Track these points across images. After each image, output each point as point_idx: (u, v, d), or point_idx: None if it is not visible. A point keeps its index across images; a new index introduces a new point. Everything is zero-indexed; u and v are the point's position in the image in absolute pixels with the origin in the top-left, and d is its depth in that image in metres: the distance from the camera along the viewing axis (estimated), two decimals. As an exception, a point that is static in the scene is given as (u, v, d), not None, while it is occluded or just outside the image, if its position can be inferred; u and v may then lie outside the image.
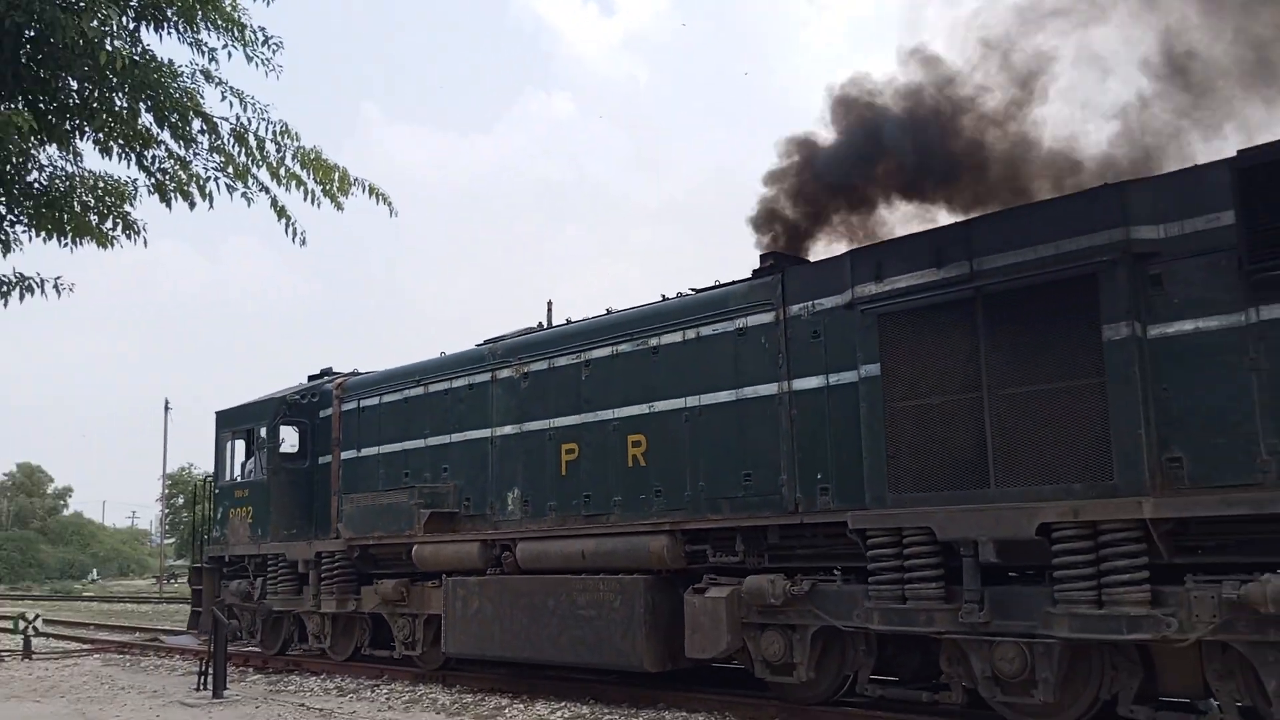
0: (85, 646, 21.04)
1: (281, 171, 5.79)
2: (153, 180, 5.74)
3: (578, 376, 11.86)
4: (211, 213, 6.43)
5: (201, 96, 5.78)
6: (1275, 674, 6.98)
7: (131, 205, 5.76)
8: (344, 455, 15.11)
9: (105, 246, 5.79)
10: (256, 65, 5.86)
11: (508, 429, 12.63)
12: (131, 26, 5.50)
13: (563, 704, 10.99)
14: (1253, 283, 7.19)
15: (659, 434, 10.89)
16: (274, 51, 5.96)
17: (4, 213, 5.52)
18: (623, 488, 11.20)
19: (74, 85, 5.51)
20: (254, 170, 5.84)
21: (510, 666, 12.35)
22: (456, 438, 13.33)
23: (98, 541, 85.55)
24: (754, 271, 10.57)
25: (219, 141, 5.79)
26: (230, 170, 5.78)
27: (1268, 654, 7.01)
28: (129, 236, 5.77)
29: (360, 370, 16.03)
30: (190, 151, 5.79)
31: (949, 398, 8.45)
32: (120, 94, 5.50)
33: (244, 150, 5.79)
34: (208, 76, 5.85)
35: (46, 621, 21.94)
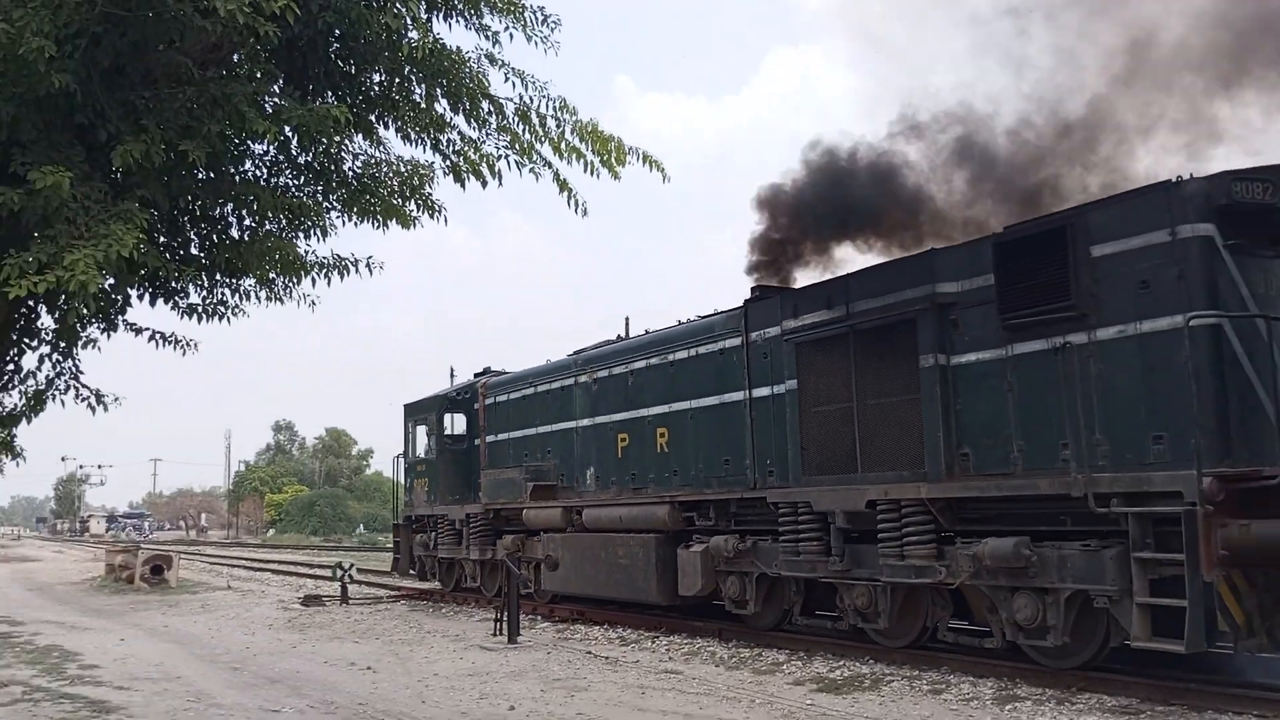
0: (392, 593, 23.07)
1: (562, 146, 5.85)
2: (447, 163, 5.89)
3: (626, 382, 15.77)
4: (477, 191, 6.46)
5: (487, 80, 5.87)
6: (1006, 608, 9.67)
7: (430, 187, 5.94)
8: (488, 439, 19.97)
9: (408, 227, 6.01)
10: (535, 44, 5.87)
11: (585, 422, 16.83)
12: (425, 18, 5.65)
13: (841, 662, 11.21)
14: (1006, 327, 9.82)
15: (676, 428, 14.50)
16: (551, 29, 5.93)
17: (322, 201, 5.83)
18: (654, 468, 14.98)
19: (376, 79, 5.76)
20: (537, 146, 5.90)
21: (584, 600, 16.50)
22: (555, 427, 17.63)
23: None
24: (745, 301, 13.67)
25: (504, 121, 5.88)
26: (516, 148, 5.88)
27: (998, 594, 9.75)
28: (431, 216, 6.06)
29: (505, 370, 20.81)
30: (483, 132, 5.88)
31: (836, 406, 11.51)
32: (418, 83, 5.72)
33: (527, 128, 5.89)
34: (491, 60, 5.91)
35: (359, 570, 24.79)
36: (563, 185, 5.98)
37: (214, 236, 5.70)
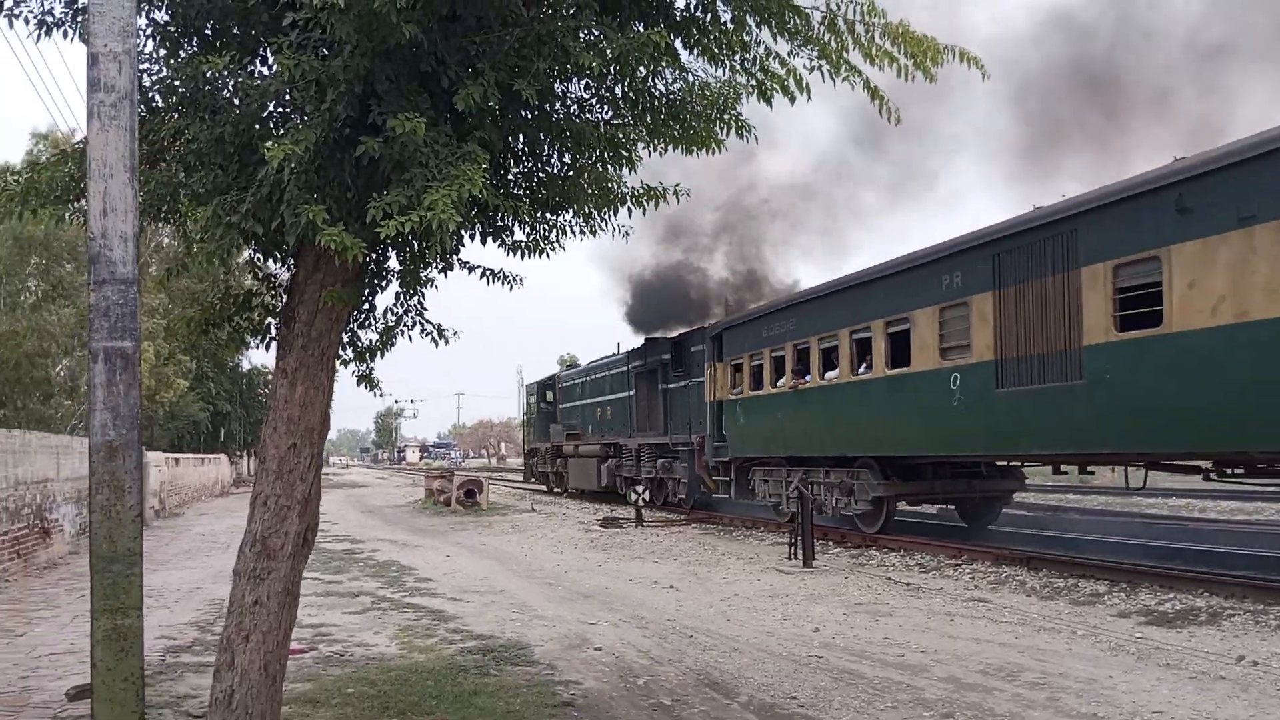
0: (682, 517, 24.07)
1: (873, 51, 5.60)
2: (753, 81, 5.67)
3: (596, 385, 33.43)
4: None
5: (791, -11, 5.69)
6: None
7: (738, 106, 5.74)
8: (559, 407, 38.94)
9: (714, 152, 5.83)
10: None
11: (585, 401, 34.86)
12: None
13: (1171, 594, 10.44)
14: (675, 374, 26.15)
15: (615, 408, 31.41)
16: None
17: (631, 132, 5.70)
18: (602, 427, 32.40)
19: (680, 4, 5.58)
20: (845, 55, 5.64)
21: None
22: (577, 403, 36.09)
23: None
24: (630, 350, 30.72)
25: (811, 33, 5.62)
26: (824, 59, 5.59)
27: None
28: (740, 136, 5.86)
29: (576, 363, 42.28)
30: (793, 44, 5.66)
31: (643, 402, 28.63)
32: (724, 4, 5.55)
33: (834, 37, 5.61)
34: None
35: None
36: (874, 94, 5.68)
37: (536, 174, 5.90)
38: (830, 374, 17.57)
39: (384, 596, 12.60)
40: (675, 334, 28.07)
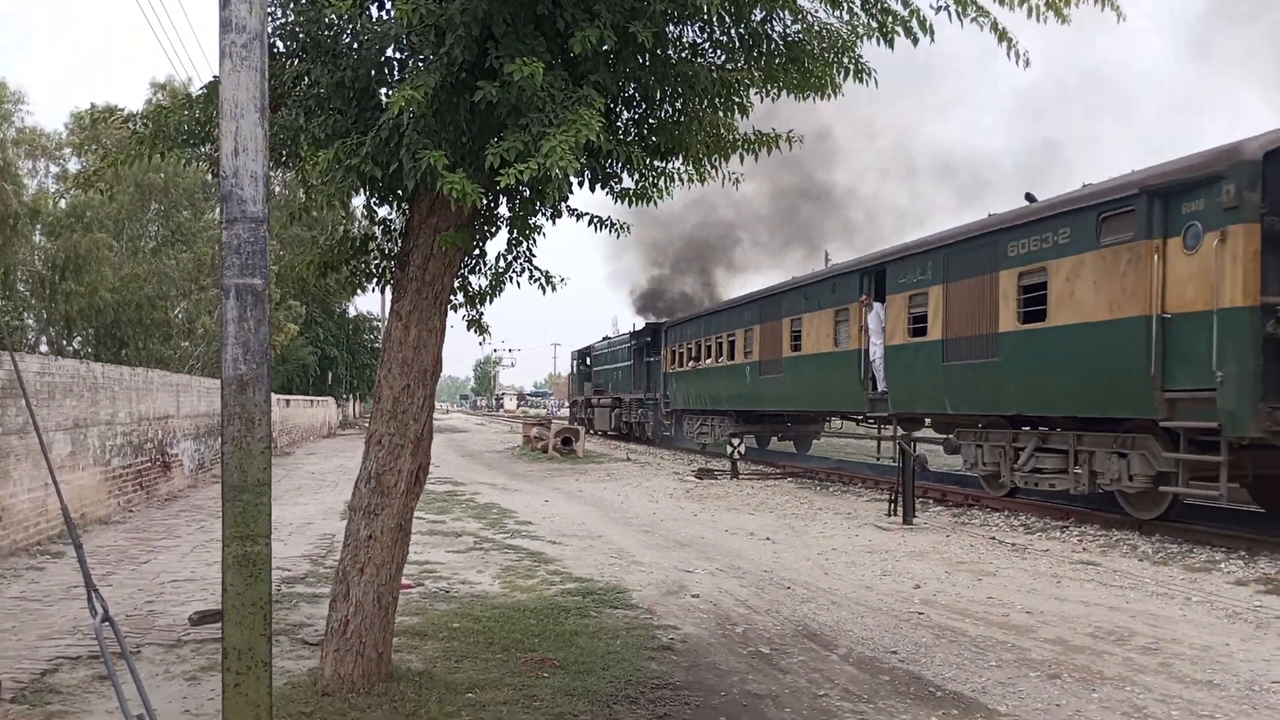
0: (777, 470, 24.26)
1: None
2: (875, 22, 5.44)
3: (618, 353, 44.53)
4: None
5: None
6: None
7: (858, 48, 5.55)
8: (593, 369, 49.79)
9: (829, 96, 5.70)
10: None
11: (606, 367, 46.59)
12: None
13: None
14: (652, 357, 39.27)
15: (623, 373, 43.06)
16: None
17: (743, 77, 5.59)
18: (620, 386, 43.66)
19: None
20: None
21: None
22: (601, 368, 47.34)
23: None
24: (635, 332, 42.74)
25: None
26: None
27: None
28: (860, 80, 5.68)
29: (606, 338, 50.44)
30: None
31: (638, 370, 40.15)
32: None
33: None
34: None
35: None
36: (1002, 35, 5.40)
37: (648, 120, 5.85)
38: (717, 360, 29.27)
39: (486, 537, 12.90)
40: (653, 323, 40.19)
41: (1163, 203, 11.81)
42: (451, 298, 6.19)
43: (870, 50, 5.67)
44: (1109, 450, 12.87)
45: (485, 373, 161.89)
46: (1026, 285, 14.28)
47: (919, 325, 17.18)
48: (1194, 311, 11.25)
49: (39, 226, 30.78)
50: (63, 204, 33.12)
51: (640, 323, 45.19)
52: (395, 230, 6.35)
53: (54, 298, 28.95)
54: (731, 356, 27.53)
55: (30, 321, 31.87)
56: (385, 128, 4.77)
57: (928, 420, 18.67)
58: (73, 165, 34.94)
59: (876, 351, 18.84)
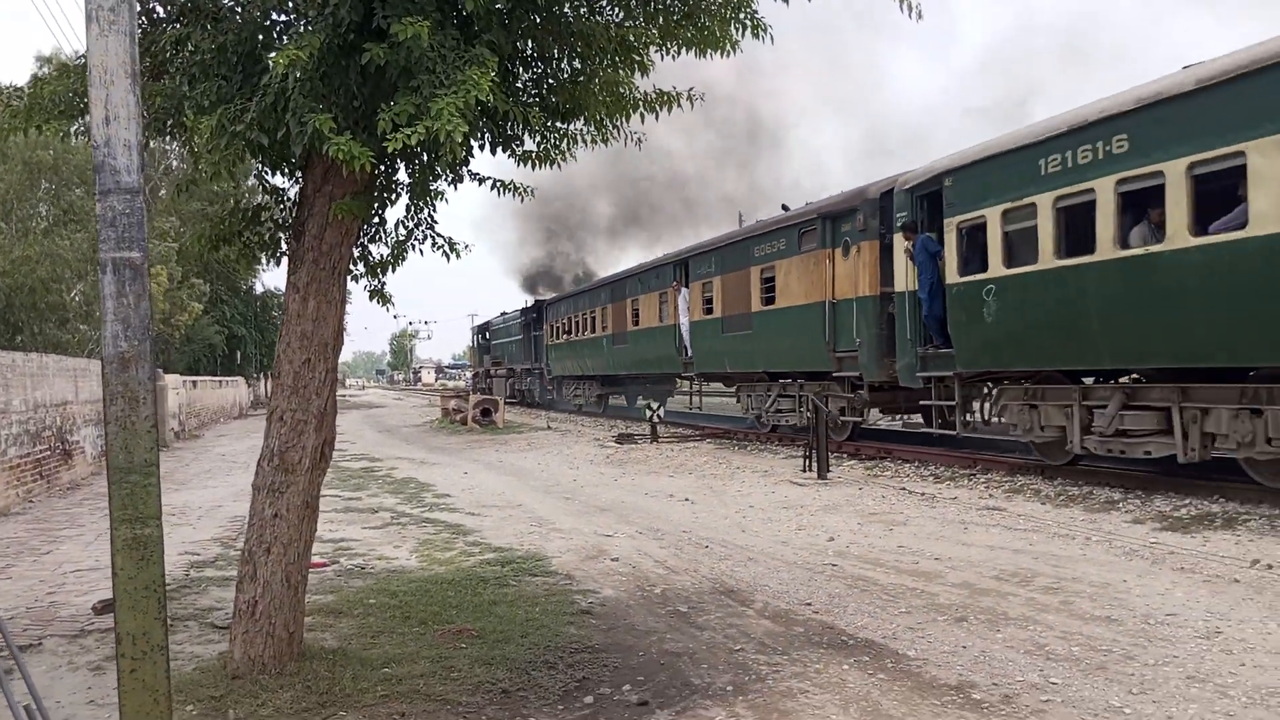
0: (696, 432, 24.20)
1: None
2: None
3: (511, 328, 48.70)
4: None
5: None
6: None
7: (752, 6, 5.50)
8: (490, 343, 54.05)
9: (727, 53, 5.64)
10: None
11: (507, 340, 49.75)
12: None
13: (1186, 500, 10.44)
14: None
15: (516, 345, 46.89)
16: None
17: (643, 35, 5.53)
18: (513, 358, 47.76)
19: None
20: None
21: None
22: (504, 340, 50.60)
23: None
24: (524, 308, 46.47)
25: None
26: None
27: None
28: (756, 36, 5.61)
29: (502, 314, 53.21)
30: None
31: (528, 342, 44.91)
32: None
33: None
34: None
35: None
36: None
37: (546, 80, 5.74)
38: (584, 333, 34.48)
39: (403, 512, 12.76)
40: (540, 300, 44.55)
41: (832, 224, 17.68)
42: (352, 268, 6.05)
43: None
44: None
45: (401, 346, 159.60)
46: (765, 278, 20.22)
47: (709, 306, 23.13)
48: (847, 298, 17.14)
49: (-82, 210, 29.31)
50: (-57, 185, 31.57)
51: (531, 300, 49.64)
52: (289, 200, 6.16)
53: (-62, 284, 27.63)
54: (594, 330, 33.38)
55: (-87, 310, 30.41)
56: (270, 91, 4.60)
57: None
58: (-48, 144, 33.28)
59: (685, 326, 24.68)
